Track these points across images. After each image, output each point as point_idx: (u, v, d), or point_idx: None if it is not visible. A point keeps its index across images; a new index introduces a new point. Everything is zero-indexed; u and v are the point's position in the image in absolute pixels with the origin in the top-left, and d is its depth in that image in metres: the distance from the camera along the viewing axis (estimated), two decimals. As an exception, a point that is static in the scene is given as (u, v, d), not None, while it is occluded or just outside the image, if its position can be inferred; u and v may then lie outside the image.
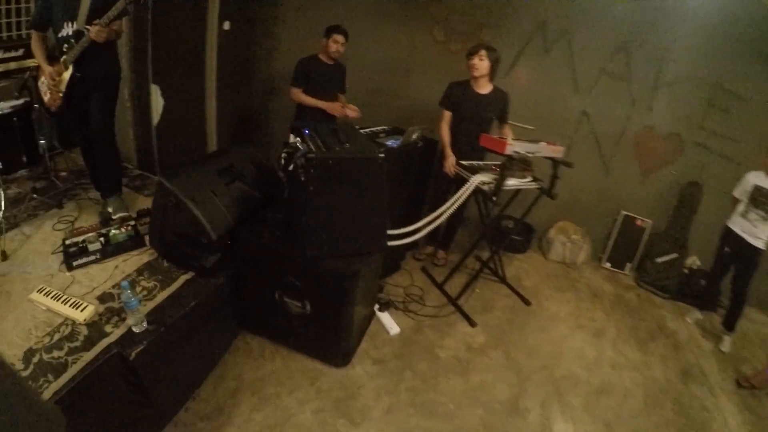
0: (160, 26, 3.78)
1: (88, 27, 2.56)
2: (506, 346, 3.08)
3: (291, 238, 2.42)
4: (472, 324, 3.20)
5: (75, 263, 2.54)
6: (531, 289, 3.75)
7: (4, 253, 2.61)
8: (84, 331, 2.08)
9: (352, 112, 3.68)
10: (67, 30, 2.64)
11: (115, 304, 2.26)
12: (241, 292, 2.69)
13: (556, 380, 2.87)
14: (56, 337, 2.03)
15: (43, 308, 2.20)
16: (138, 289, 2.42)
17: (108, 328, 2.11)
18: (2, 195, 2.90)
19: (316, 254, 2.36)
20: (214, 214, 2.46)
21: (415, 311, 3.25)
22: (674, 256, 4.08)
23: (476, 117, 3.31)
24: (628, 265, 4.31)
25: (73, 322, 2.12)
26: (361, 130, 3.29)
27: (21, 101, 3.10)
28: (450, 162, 3.25)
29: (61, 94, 2.77)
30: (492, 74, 3.26)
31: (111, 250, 2.66)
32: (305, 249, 2.34)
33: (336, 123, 3.49)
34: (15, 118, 3.07)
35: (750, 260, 3.23)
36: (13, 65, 3.43)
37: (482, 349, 3.01)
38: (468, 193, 2.90)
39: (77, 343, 2.00)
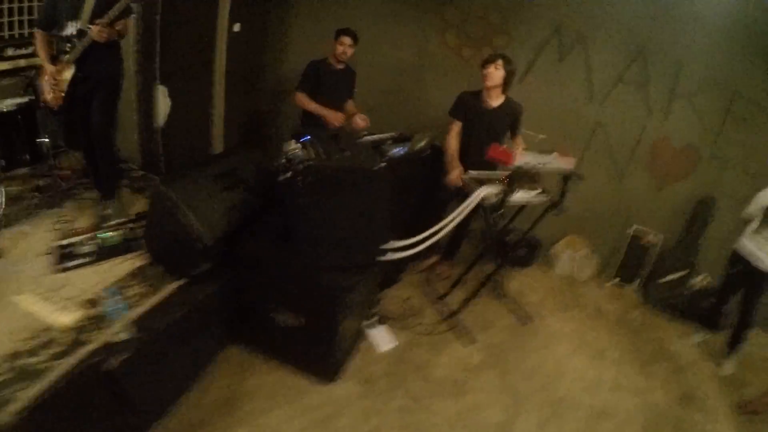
0: (169, 27, 3.74)
1: (90, 26, 2.54)
2: (504, 365, 2.99)
3: (288, 247, 2.36)
4: (471, 341, 3.11)
5: (68, 265, 2.53)
6: (534, 305, 3.65)
7: (0, 250, 2.61)
8: (69, 335, 2.05)
9: (361, 121, 3.59)
10: (71, 29, 2.63)
11: (103, 310, 2.22)
12: (234, 301, 2.63)
13: (554, 403, 2.78)
14: (40, 340, 2.01)
15: (31, 310, 2.18)
16: (128, 293, 2.38)
17: (93, 334, 2.06)
18: (3, 192, 2.91)
19: (311, 265, 2.31)
20: (210, 220, 2.41)
21: (411, 326, 3.16)
22: (683, 273, 3.96)
23: (487, 129, 3.21)
24: (636, 282, 4.17)
25: (58, 327, 2.09)
26: (368, 137, 3.21)
27: (26, 99, 3.09)
28: (456, 174, 3.16)
29: (62, 94, 2.76)
30: (506, 86, 3.16)
31: (105, 252, 2.64)
32: (300, 259, 2.30)
33: (338, 130, 3.44)
34: (19, 116, 3.06)
35: (759, 282, 3.12)
36: (22, 62, 3.43)
37: (479, 369, 2.92)
38: (473, 205, 2.79)
39: (61, 349, 1.96)
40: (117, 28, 2.66)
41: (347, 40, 3.47)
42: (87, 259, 2.58)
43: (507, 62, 3.08)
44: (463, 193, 2.96)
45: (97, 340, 2.03)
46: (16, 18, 3.51)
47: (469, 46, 4.13)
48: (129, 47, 3.62)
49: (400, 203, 3.10)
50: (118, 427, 2.05)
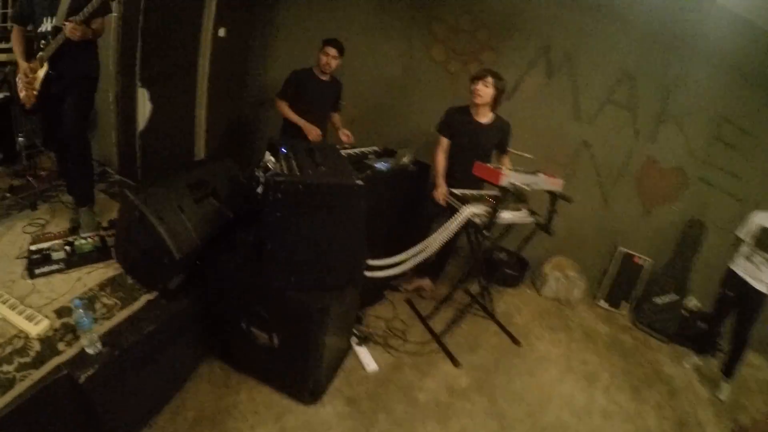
0: (151, 29, 3.65)
1: (66, 23, 2.43)
2: (491, 389, 2.88)
3: (260, 264, 2.23)
4: (456, 364, 3.01)
5: (37, 271, 2.43)
6: (521, 327, 3.57)
7: None
8: (36, 346, 1.97)
9: (344, 137, 3.53)
10: (46, 25, 2.53)
11: (72, 320, 2.10)
12: (208, 317, 2.52)
13: (542, 429, 2.68)
14: (8, 349, 1.93)
15: (1, 315, 2.09)
16: (97, 305, 2.28)
17: (61, 346, 1.98)
18: None
19: (282, 286, 2.19)
20: (180, 233, 2.30)
21: (395, 347, 3.05)
22: (673, 296, 3.93)
23: (475, 146, 3.16)
24: (625, 305, 4.13)
25: (27, 336, 2.01)
26: (351, 150, 3.16)
27: (1, 95, 2.98)
28: (441, 191, 3.11)
29: (35, 92, 2.65)
30: (495, 103, 3.11)
31: (76, 260, 2.54)
32: (271, 279, 2.18)
33: (316, 142, 3.36)
34: None
35: (753, 305, 3.10)
36: (3, 57, 3.34)
37: (465, 393, 2.82)
38: (458, 224, 2.72)
39: (28, 359, 1.89)
40: (93, 26, 2.56)
41: (332, 51, 3.42)
42: (57, 266, 2.49)
43: (497, 79, 3.03)
44: (449, 211, 2.89)
45: (65, 352, 1.95)
46: None
47: (457, 61, 4.12)
48: (109, 47, 3.53)
49: (383, 220, 3.05)
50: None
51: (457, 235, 2.81)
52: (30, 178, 3.33)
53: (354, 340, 2.94)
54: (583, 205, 3.97)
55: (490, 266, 3.89)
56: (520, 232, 3.31)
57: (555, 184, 2.93)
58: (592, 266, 4.23)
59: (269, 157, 2.27)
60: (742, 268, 3.16)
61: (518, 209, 2.91)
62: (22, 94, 2.69)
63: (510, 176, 2.64)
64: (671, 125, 3.83)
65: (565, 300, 4.08)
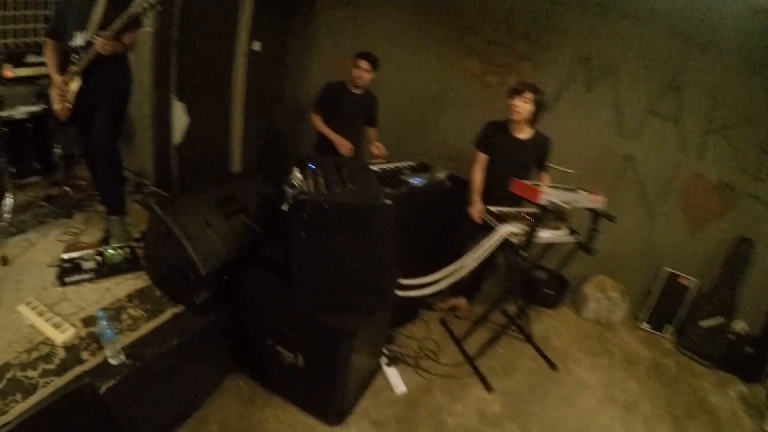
0: (186, 43, 3.72)
1: (97, 38, 2.48)
2: (524, 417, 2.72)
3: (286, 283, 2.17)
4: (489, 388, 2.86)
5: (67, 280, 2.48)
6: (559, 351, 3.38)
7: (4, 258, 2.61)
8: (61, 354, 2.00)
9: (376, 150, 3.45)
10: (78, 40, 2.58)
11: (96, 331, 2.10)
12: (234, 333, 2.49)
13: (578, 463, 2.51)
14: (33, 355, 1.98)
15: (27, 322, 2.15)
16: (124, 316, 2.30)
17: (85, 355, 2.01)
18: (11, 200, 2.91)
19: (309, 307, 2.12)
20: (206, 248, 2.28)
21: (426, 369, 2.93)
22: (720, 319, 3.67)
23: (513, 163, 3.03)
24: (669, 328, 3.89)
25: (53, 343, 2.05)
26: (385, 165, 3.08)
27: (38, 108, 3.07)
28: (476, 209, 3.00)
29: (69, 105, 2.70)
30: (534, 119, 2.98)
31: (106, 270, 2.58)
32: (297, 300, 2.11)
33: (347, 157, 3.30)
34: (30, 124, 3.04)
35: None
36: (44, 70, 3.42)
37: (496, 419, 2.67)
38: (495, 244, 2.60)
39: (52, 366, 1.93)
40: (124, 41, 2.59)
41: (364, 64, 3.36)
42: (87, 276, 2.53)
43: (537, 94, 2.90)
44: (486, 228, 2.77)
45: (88, 361, 1.97)
46: (36, 25, 3.54)
47: (494, 74, 4.00)
48: (143, 62, 3.60)
49: (417, 237, 2.97)
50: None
51: (494, 253, 2.69)
52: (67, 188, 3.40)
53: (384, 360, 2.85)
54: (627, 222, 3.77)
55: (528, 286, 3.73)
56: (560, 250, 3.14)
57: (597, 202, 2.76)
58: (634, 286, 4.01)
59: (296, 174, 2.21)
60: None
61: (558, 228, 2.75)
62: (55, 107, 2.74)
63: (549, 194, 2.50)
64: (719, 138, 3.60)
65: (606, 322, 3.87)
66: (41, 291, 2.41)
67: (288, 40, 4.68)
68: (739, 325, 3.70)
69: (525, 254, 2.56)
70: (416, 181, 2.88)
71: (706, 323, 3.68)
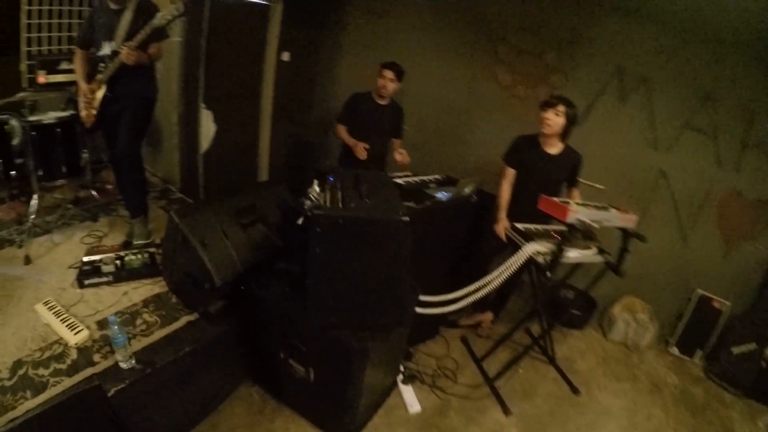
0: (214, 52, 3.76)
1: (122, 48, 2.55)
2: (543, 444, 2.61)
3: (300, 297, 2.14)
4: (507, 412, 2.74)
5: (86, 282, 2.53)
6: (583, 375, 3.23)
7: (28, 257, 2.70)
8: (73, 354, 2.04)
9: (398, 155, 3.38)
10: (106, 50, 2.66)
11: (109, 334, 2.10)
12: (248, 343, 2.47)
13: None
14: (46, 354, 2.02)
15: (44, 321, 2.20)
16: (138, 321, 2.32)
17: (96, 357, 2.03)
18: (37, 201, 2.97)
19: (322, 323, 2.08)
20: (222, 259, 2.28)
21: (443, 388, 2.83)
22: (753, 346, 3.44)
23: (543, 178, 2.93)
24: (699, 353, 3.68)
25: (66, 344, 2.09)
26: (411, 178, 3.02)
27: (67, 113, 3.15)
28: (502, 226, 2.91)
29: (94, 112, 2.78)
30: (565, 133, 2.87)
31: (124, 275, 2.62)
32: (311, 315, 2.07)
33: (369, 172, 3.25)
34: (58, 129, 3.12)
35: None
36: (69, 78, 3.52)
37: (514, 445, 2.56)
38: (520, 262, 2.49)
39: (63, 366, 1.96)
40: (149, 51, 2.66)
41: (389, 74, 3.32)
42: (106, 279, 2.57)
43: (569, 107, 2.79)
44: (512, 246, 2.68)
45: (99, 364, 1.99)
46: (70, 33, 3.66)
47: (524, 85, 3.90)
48: (172, 71, 3.66)
49: (442, 252, 2.90)
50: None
51: (519, 271, 2.59)
52: (93, 191, 3.46)
53: (400, 377, 2.77)
54: (659, 241, 3.58)
55: (554, 305, 3.60)
56: (589, 269, 3.00)
57: (627, 221, 2.63)
58: (664, 309, 3.82)
59: (315, 187, 2.18)
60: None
61: (586, 247, 2.63)
62: (82, 114, 2.82)
63: (578, 212, 2.38)
64: (757, 152, 3.38)
65: (633, 345, 3.70)
66: (60, 291, 2.46)
67: (318, 50, 4.70)
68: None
69: (549, 275, 2.45)
70: (441, 195, 2.81)
71: (738, 349, 3.47)
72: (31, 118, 3.00)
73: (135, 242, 2.92)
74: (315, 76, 4.80)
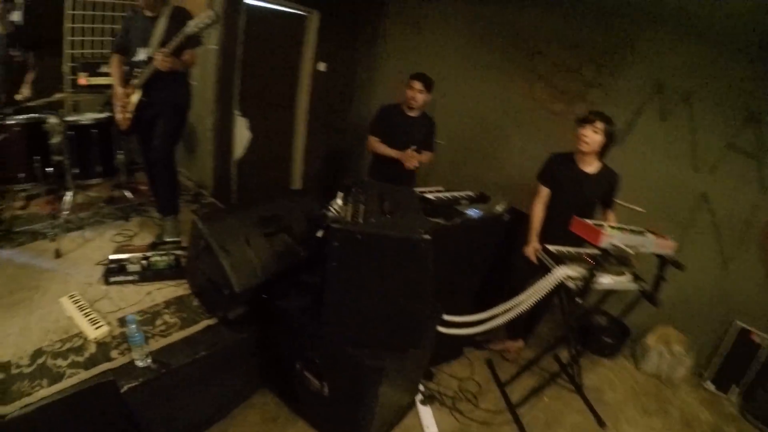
0: (250, 61, 3.83)
1: (156, 54, 2.63)
2: (565, 479, 2.47)
3: (318, 310, 2.11)
4: (529, 441, 2.63)
5: (112, 279, 2.59)
6: (611, 407, 3.07)
7: (58, 251, 2.79)
8: (92, 348, 2.09)
9: (420, 157, 3.34)
10: (141, 56, 2.75)
11: (127, 333, 2.13)
12: (265, 351, 2.46)
13: None
14: (66, 346, 2.08)
15: (67, 314, 2.26)
16: (158, 321, 2.34)
17: (114, 354, 2.07)
18: (71, 198, 3.06)
19: (336, 338, 2.04)
20: (243, 266, 2.28)
21: (463, 412, 2.73)
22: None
23: (577, 198, 2.82)
24: (735, 390, 3.46)
25: (86, 337, 2.13)
26: (442, 194, 2.96)
27: (104, 115, 3.23)
28: (532, 248, 2.81)
29: (129, 116, 2.87)
30: (603, 151, 2.77)
31: (150, 275, 2.66)
32: (326, 330, 2.04)
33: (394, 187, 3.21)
34: (95, 130, 3.20)
35: None
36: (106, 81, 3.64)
37: (532, 479, 2.44)
38: (549, 287, 2.38)
39: (81, 359, 2.01)
40: (183, 58, 2.72)
41: (418, 85, 3.27)
42: (131, 278, 2.63)
43: (607, 124, 2.68)
44: (543, 268, 2.57)
45: (116, 360, 2.03)
46: (109, 38, 3.80)
47: (561, 101, 3.80)
48: (208, 78, 3.73)
49: (471, 271, 2.83)
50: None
51: (549, 295, 2.48)
52: (127, 192, 3.55)
53: (419, 398, 2.69)
54: (698, 269, 3.39)
55: (586, 331, 3.46)
56: (623, 295, 2.85)
57: (665, 247, 2.49)
58: (701, 341, 3.61)
59: (338, 200, 2.15)
60: None
61: (621, 273, 2.50)
62: (117, 117, 2.93)
63: (612, 236, 2.27)
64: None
65: (666, 378, 3.50)
66: (86, 286, 2.53)
67: (354, 61, 4.72)
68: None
69: (580, 301, 2.33)
70: (472, 212, 2.74)
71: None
72: (69, 118, 3.10)
73: (165, 238, 2.98)
74: (351, 87, 4.83)
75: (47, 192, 3.30)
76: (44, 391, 1.81)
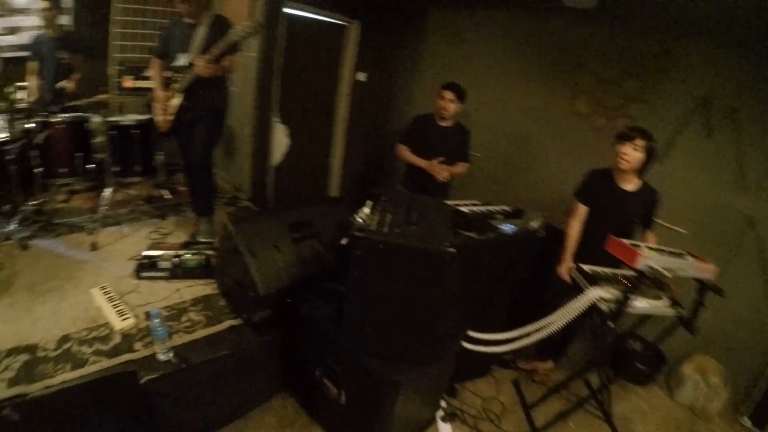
0: (290, 69, 3.90)
1: (197, 61, 2.71)
2: None
3: (339, 318, 2.10)
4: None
5: (143, 274, 2.68)
6: (641, 438, 2.93)
7: (94, 244, 2.94)
8: (116, 339, 2.16)
9: (438, 169, 3.28)
10: (181, 61, 2.84)
11: (150, 327, 2.21)
12: (287, 355, 2.47)
13: None
14: (93, 334, 2.17)
15: (96, 305, 2.36)
16: (183, 318, 2.40)
17: (137, 346, 2.14)
18: (110, 194, 3.21)
19: (355, 347, 2.02)
20: (269, 270, 2.32)
21: (484, 432, 2.66)
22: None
23: (615, 217, 2.72)
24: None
25: (112, 328, 2.22)
26: (477, 208, 2.91)
27: (145, 117, 3.37)
28: (565, 267, 2.72)
29: (169, 118, 2.96)
30: (643, 169, 2.66)
31: (180, 272, 2.74)
32: (346, 338, 2.02)
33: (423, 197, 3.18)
34: (135, 130, 3.34)
35: None
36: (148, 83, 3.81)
37: None
38: (581, 308, 2.29)
39: (105, 347, 2.09)
40: (223, 64, 2.79)
41: (449, 94, 3.24)
42: (161, 274, 2.70)
43: (649, 140, 2.58)
44: (577, 288, 2.48)
45: (139, 351, 2.10)
46: (153, 44, 3.92)
47: (603, 116, 3.69)
48: (248, 84, 3.80)
49: (502, 287, 2.77)
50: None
51: (581, 317, 2.39)
52: (165, 192, 3.66)
53: (440, 413, 2.62)
54: (740, 296, 3.20)
55: (619, 356, 3.31)
56: (661, 320, 2.73)
57: (705, 271, 2.35)
58: (740, 373, 3.39)
59: (365, 208, 2.14)
60: None
61: (658, 297, 2.38)
62: (157, 119, 3.02)
63: (649, 258, 2.16)
64: None
65: (700, 410, 3.31)
66: (118, 279, 2.62)
67: (394, 71, 4.75)
68: None
69: (612, 325, 2.24)
70: (506, 227, 2.67)
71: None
72: (112, 118, 3.25)
73: (199, 239, 3.05)
74: (391, 96, 4.85)
75: (89, 188, 3.45)
76: (66, 375, 1.88)
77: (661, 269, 2.14)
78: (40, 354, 1.98)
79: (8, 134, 2.78)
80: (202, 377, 2.12)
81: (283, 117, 4.13)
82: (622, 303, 2.19)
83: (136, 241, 3.08)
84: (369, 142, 4.90)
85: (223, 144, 4.01)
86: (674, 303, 2.38)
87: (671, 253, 2.27)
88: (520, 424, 2.77)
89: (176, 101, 2.89)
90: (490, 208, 2.92)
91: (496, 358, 2.98)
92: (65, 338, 2.09)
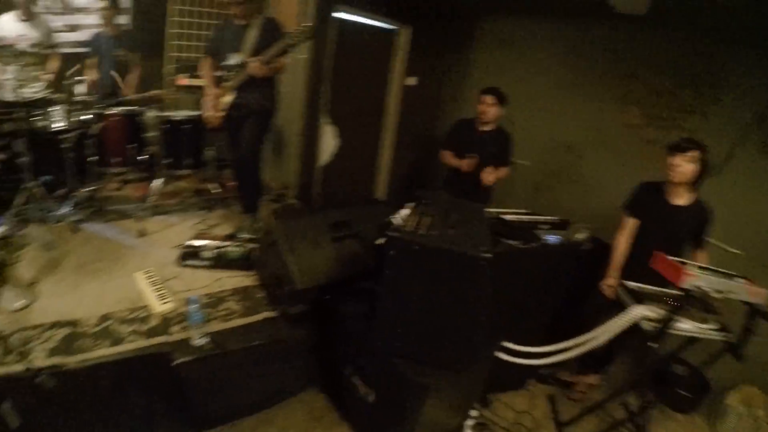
0: (339, 72, 3.95)
1: (250, 61, 2.80)
2: None
3: (371, 318, 2.11)
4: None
5: (186, 262, 2.77)
6: (678, 469, 2.78)
7: (142, 231, 3.09)
8: (154, 321, 2.24)
9: (486, 174, 3.26)
10: (232, 60, 2.94)
11: (187, 311, 2.29)
12: (320, 351, 2.50)
13: None
14: (132, 315, 2.26)
15: (138, 287, 2.45)
16: (222, 306, 2.47)
17: (174, 329, 2.21)
18: (160, 184, 3.36)
19: (386, 348, 2.02)
20: (307, 266, 2.37)
21: (514, 447, 2.57)
22: None
23: (664, 232, 2.60)
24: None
25: (151, 311, 2.30)
26: (524, 217, 2.86)
27: (196, 113, 3.48)
28: (609, 283, 2.64)
29: (219, 115, 3.06)
30: (697, 182, 2.54)
31: (222, 263, 2.81)
32: (376, 337, 2.03)
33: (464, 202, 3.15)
34: (186, 125, 3.46)
35: None
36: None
37: None
38: (623, 326, 2.21)
39: (143, 328, 2.18)
40: (275, 65, 2.87)
41: (488, 99, 3.22)
42: (204, 263, 2.78)
43: (703, 153, 2.45)
44: (621, 305, 2.38)
45: (175, 335, 2.17)
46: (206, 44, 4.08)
47: (655, 127, 3.56)
48: (299, 85, 3.88)
49: (545, 299, 2.71)
50: (167, 415, 2.14)
51: (623, 335, 2.30)
52: (214, 185, 3.77)
53: (469, 422, 2.55)
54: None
55: (661, 380, 3.13)
56: (709, 345, 2.59)
57: (756, 295, 2.21)
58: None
59: (404, 210, 2.15)
60: None
61: (704, 320, 2.26)
62: (207, 114, 3.12)
63: (697, 277, 2.06)
64: None
65: (746, 444, 3.13)
66: (161, 266, 2.73)
67: (444, 76, 4.76)
68: None
69: (655, 345, 2.14)
70: (551, 238, 2.60)
71: None
72: (164, 113, 3.38)
73: (239, 235, 3.10)
74: (440, 101, 4.85)
75: (140, 178, 3.59)
76: (103, 351, 1.98)
77: (708, 290, 2.04)
78: (81, 329, 2.08)
79: (66, 124, 2.93)
80: (234, 364, 2.17)
81: (333, 118, 4.20)
82: (665, 323, 2.09)
83: (181, 230, 3.19)
84: (417, 146, 4.91)
85: (272, 143, 4.09)
86: (722, 328, 2.25)
87: (721, 274, 2.15)
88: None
89: (227, 98, 2.99)
90: (537, 217, 2.86)
91: (533, 371, 2.91)
92: (106, 316, 2.19)
